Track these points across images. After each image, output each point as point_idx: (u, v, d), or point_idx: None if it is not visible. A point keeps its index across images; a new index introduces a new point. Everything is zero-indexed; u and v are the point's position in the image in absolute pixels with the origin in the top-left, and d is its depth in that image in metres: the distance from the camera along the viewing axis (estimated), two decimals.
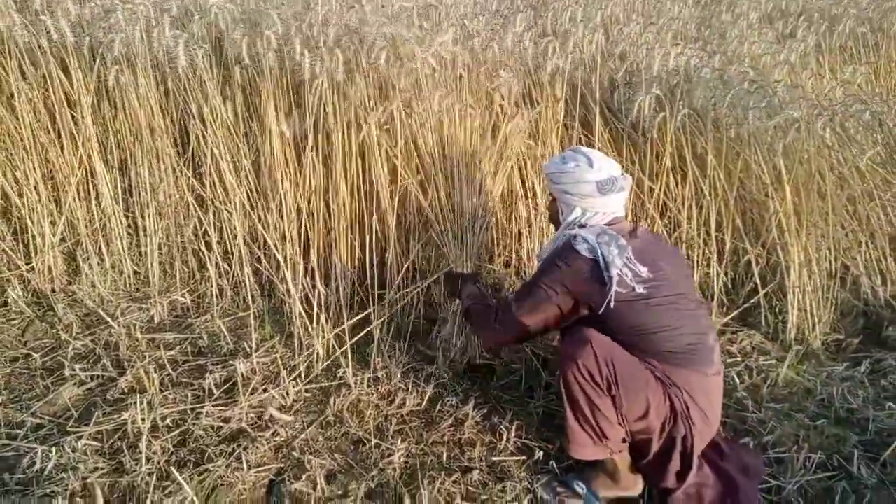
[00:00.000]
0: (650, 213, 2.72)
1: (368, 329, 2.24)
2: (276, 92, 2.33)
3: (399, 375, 2.15)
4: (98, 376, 2.08)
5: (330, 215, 2.41)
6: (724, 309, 2.58)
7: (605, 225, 1.77)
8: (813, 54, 3.88)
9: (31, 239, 2.49)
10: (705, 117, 2.71)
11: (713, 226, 2.64)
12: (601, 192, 1.76)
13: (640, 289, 1.62)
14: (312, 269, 2.35)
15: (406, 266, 2.39)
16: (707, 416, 1.62)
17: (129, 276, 2.52)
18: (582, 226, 1.79)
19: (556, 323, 1.77)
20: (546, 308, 1.73)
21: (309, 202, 2.36)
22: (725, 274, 2.63)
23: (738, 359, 2.33)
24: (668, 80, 2.90)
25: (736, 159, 2.68)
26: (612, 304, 1.61)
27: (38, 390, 2.03)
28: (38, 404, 1.96)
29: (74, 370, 2.08)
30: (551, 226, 2.53)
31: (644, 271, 1.63)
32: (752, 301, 2.53)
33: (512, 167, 2.67)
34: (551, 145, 2.88)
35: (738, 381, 2.20)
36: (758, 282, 2.56)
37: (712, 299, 2.55)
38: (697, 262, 2.61)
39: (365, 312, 2.26)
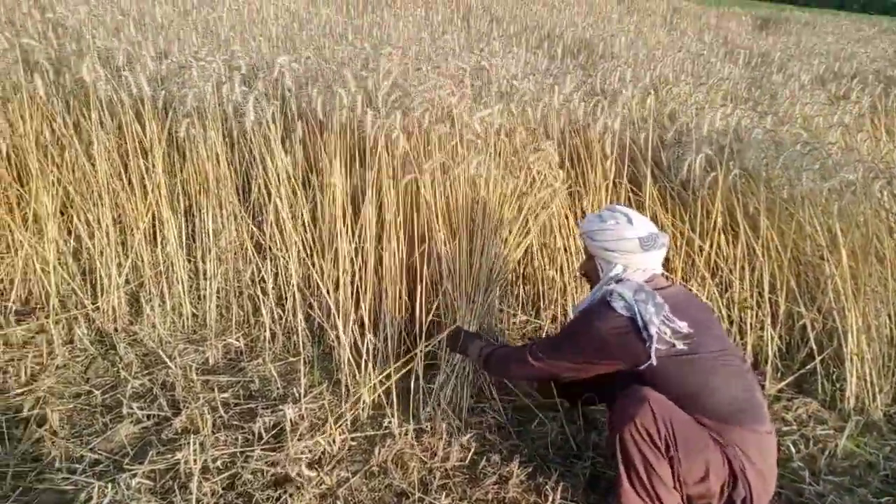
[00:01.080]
0: (701, 273, 2.69)
1: (413, 379, 2.26)
2: (339, 146, 2.43)
3: (444, 428, 2.15)
4: (154, 415, 2.14)
5: (381, 265, 2.46)
6: (779, 374, 2.51)
7: (643, 282, 1.77)
8: (868, 116, 3.84)
9: (98, 279, 2.61)
10: (757, 178, 2.70)
11: (766, 288, 2.60)
12: (643, 248, 1.77)
13: (680, 345, 1.61)
14: (362, 318, 2.40)
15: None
16: (765, 477, 1.57)
17: (187, 318, 2.61)
18: (618, 281, 1.79)
19: (584, 375, 1.79)
20: (574, 361, 1.76)
21: (362, 251, 2.42)
22: (780, 338, 2.58)
23: (794, 427, 2.26)
24: (718, 140, 2.91)
25: (789, 220, 2.66)
26: (654, 362, 1.59)
27: (97, 426, 2.10)
28: (96, 440, 2.03)
29: (132, 408, 2.15)
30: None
31: (684, 326, 1.62)
32: (807, 367, 2.47)
33: (555, 223, 2.70)
34: (599, 202, 2.90)
35: (793, 450, 2.13)
36: (814, 347, 2.49)
37: (766, 364, 2.49)
38: (750, 325, 2.56)
39: (409, 365, 2.28)
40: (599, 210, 1.93)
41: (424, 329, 2.37)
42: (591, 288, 1.94)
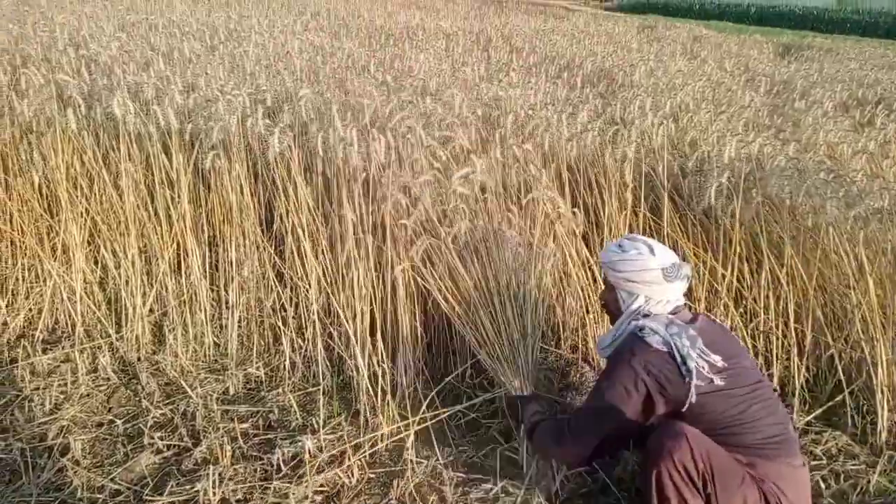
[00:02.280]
0: (724, 302, 2.66)
1: (434, 413, 2.24)
2: (349, 181, 2.46)
3: (462, 463, 2.13)
4: (175, 445, 2.16)
5: (395, 296, 2.47)
6: (807, 406, 2.45)
7: (668, 315, 1.74)
8: (894, 142, 3.79)
9: (123, 309, 2.66)
10: (780, 206, 2.67)
11: (791, 317, 2.55)
12: (667, 279, 1.74)
13: (718, 380, 1.57)
14: (381, 348, 2.40)
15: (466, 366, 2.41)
16: None
17: (209, 348, 2.64)
18: (645, 315, 1.75)
19: (634, 426, 1.69)
20: (622, 409, 1.64)
21: (376, 282, 2.43)
22: (807, 369, 2.52)
23: (823, 461, 2.20)
24: (740, 168, 2.89)
25: (814, 248, 2.61)
26: (693, 399, 1.55)
27: (118, 456, 2.11)
28: (117, 470, 2.04)
29: (153, 438, 2.16)
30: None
31: (718, 360, 1.59)
32: (836, 399, 2.40)
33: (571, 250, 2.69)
34: (618, 230, 2.89)
35: (823, 486, 2.06)
36: (842, 378, 2.43)
37: (793, 395, 2.43)
38: (776, 355, 2.51)
39: (428, 398, 2.27)
40: (618, 239, 1.89)
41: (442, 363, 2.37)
42: (612, 320, 1.91)
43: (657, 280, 1.74)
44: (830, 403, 2.42)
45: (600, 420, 1.70)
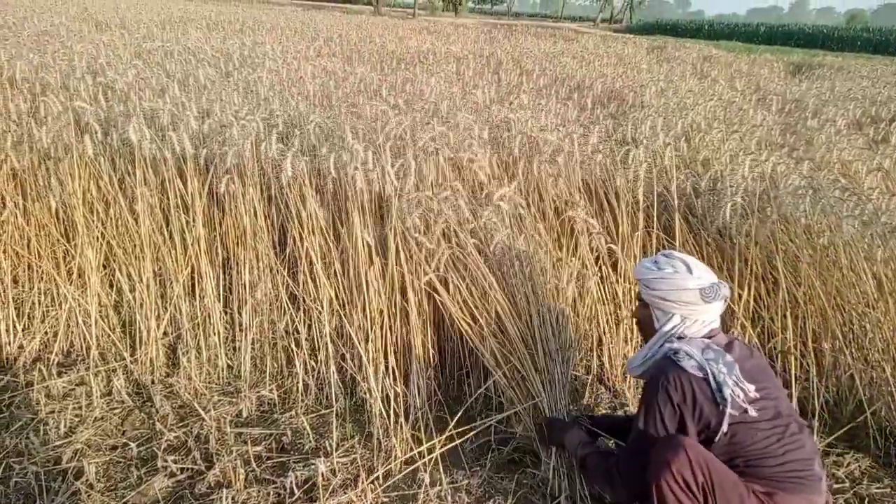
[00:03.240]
0: (741, 322, 2.63)
1: (447, 436, 2.22)
2: (362, 202, 2.47)
3: (478, 487, 2.10)
4: (188, 469, 2.15)
5: (409, 319, 2.47)
6: (827, 428, 2.40)
7: (704, 338, 1.68)
8: None
9: (137, 332, 2.67)
10: (796, 224, 2.65)
11: (810, 337, 2.51)
12: (705, 299, 1.67)
13: (752, 411, 1.52)
14: (394, 370, 2.39)
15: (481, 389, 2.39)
16: None
17: (222, 370, 2.64)
18: (680, 338, 1.69)
19: None
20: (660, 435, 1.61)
21: (389, 304, 2.43)
22: (827, 389, 2.47)
23: (846, 485, 2.15)
24: (754, 187, 2.88)
25: (831, 267, 2.59)
26: (725, 428, 1.51)
27: (132, 479, 2.10)
28: (131, 494, 2.03)
29: (167, 461, 2.15)
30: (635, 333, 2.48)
31: (752, 390, 1.54)
32: (858, 420, 2.35)
33: (593, 273, 2.68)
34: (632, 250, 2.88)
35: None
36: (863, 399, 2.39)
37: (813, 416, 2.39)
38: (795, 375, 2.47)
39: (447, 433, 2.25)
40: (655, 255, 1.82)
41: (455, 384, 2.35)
42: (645, 339, 1.84)
43: (694, 300, 1.67)
44: (852, 425, 2.37)
45: (646, 455, 1.62)
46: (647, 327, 1.82)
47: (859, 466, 2.23)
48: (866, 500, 2.07)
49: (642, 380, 1.83)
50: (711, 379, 1.54)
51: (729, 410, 1.51)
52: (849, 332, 2.55)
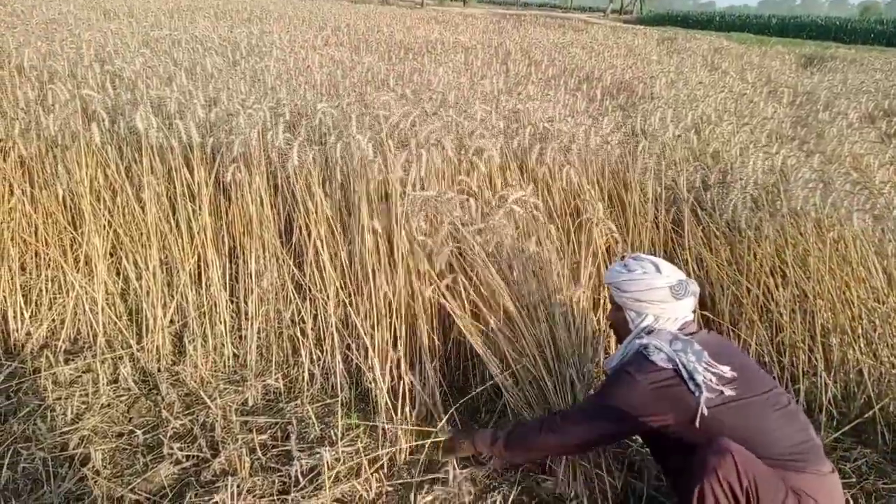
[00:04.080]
0: (749, 316, 2.61)
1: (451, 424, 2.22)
2: (368, 190, 2.46)
3: (483, 477, 2.10)
4: (194, 456, 2.16)
5: (415, 308, 2.46)
6: (835, 423, 2.38)
7: (675, 330, 1.72)
8: None
9: (144, 320, 2.68)
10: (806, 218, 2.63)
11: (819, 331, 2.49)
12: (675, 296, 1.73)
13: (728, 391, 1.55)
14: (399, 359, 2.39)
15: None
16: None
17: (228, 359, 2.64)
18: (649, 332, 1.73)
19: (615, 439, 1.75)
20: (616, 423, 1.66)
21: (394, 293, 2.42)
22: (835, 384, 2.46)
23: (853, 479, 2.13)
24: (764, 180, 2.85)
25: (841, 262, 2.56)
26: (705, 412, 1.53)
27: (138, 466, 2.12)
28: (137, 481, 2.04)
29: (172, 449, 2.16)
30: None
31: (727, 370, 1.57)
32: (866, 416, 2.34)
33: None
34: (641, 243, 2.86)
35: None
36: (871, 394, 2.37)
37: (821, 411, 2.38)
38: (803, 370, 2.45)
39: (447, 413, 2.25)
40: (624, 259, 1.88)
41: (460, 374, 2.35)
42: (619, 340, 1.89)
43: (665, 298, 1.74)
44: (860, 420, 2.35)
45: (600, 421, 1.70)
46: (621, 329, 1.87)
47: (866, 461, 2.22)
48: (873, 494, 2.06)
49: None
50: (682, 369, 1.57)
51: (705, 394, 1.53)
52: (858, 327, 2.53)
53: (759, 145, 3.32)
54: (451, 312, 2.30)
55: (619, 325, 1.87)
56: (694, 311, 1.82)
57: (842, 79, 6.79)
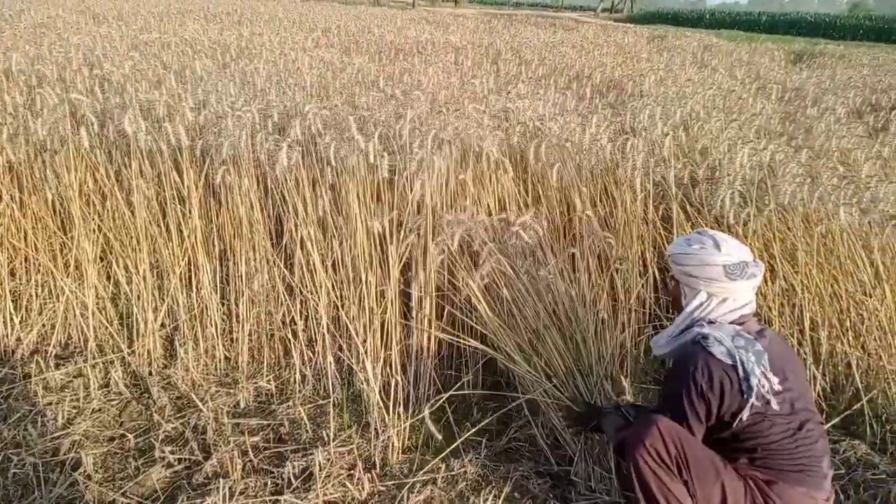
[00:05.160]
0: None
1: (445, 424, 2.23)
2: (361, 189, 2.47)
3: (476, 474, 2.11)
4: (185, 459, 2.15)
5: (409, 307, 2.47)
6: (824, 415, 2.40)
7: (733, 324, 1.65)
8: None
9: (134, 323, 2.67)
10: (793, 213, 2.64)
11: (807, 325, 2.51)
12: (728, 276, 1.65)
13: (774, 404, 1.50)
14: (392, 360, 2.39)
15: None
16: None
17: (219, 361, 2.64)
18: (710, 322, 1.67)
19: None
20: (684, 419, 1.58)
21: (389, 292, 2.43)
22: (823, 377, 2.47)
23: (842, 471, 2.15)
24: (752, 175, 2.87)
25: (829, 256, 2.58)
26: (745, 417, 1.51)
27: (129, 470, 2.11)
28: (128, 484, 2.04)
29: (164, 452, 2.16)
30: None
31: (776, 382, 1.52)
32: (854, 408, 2.35)
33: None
34: (630, 239, 2.87)
35: (842, 496, 2.02)
36: (860, 387, 2.39)
37: None
38: None
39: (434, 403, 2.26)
40: (688, 233, 1.81)
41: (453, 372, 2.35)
42: (675, 310, 1.82)
43: (718, 277, 1.65)
44: (848, 412, 2.37)
45: (681, 417, 1.61)
46: (677, 303, 1.81)
47: (855, 453, 2.24)
48: (861, 486, 2.07)
49: (665, 359, 1.83)
50: (740, 367, 1.52)
51: (752, 401, 1.49)
52: (846, 320, 2.55)
53: (747, 141, 3.34)
54: (482, 314, 2.28)
55: (676, 298, 1.81)
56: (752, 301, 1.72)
57: (830, 74, 6.83)
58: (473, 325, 2.36)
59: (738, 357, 1.53)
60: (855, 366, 2.42)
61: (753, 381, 1.50)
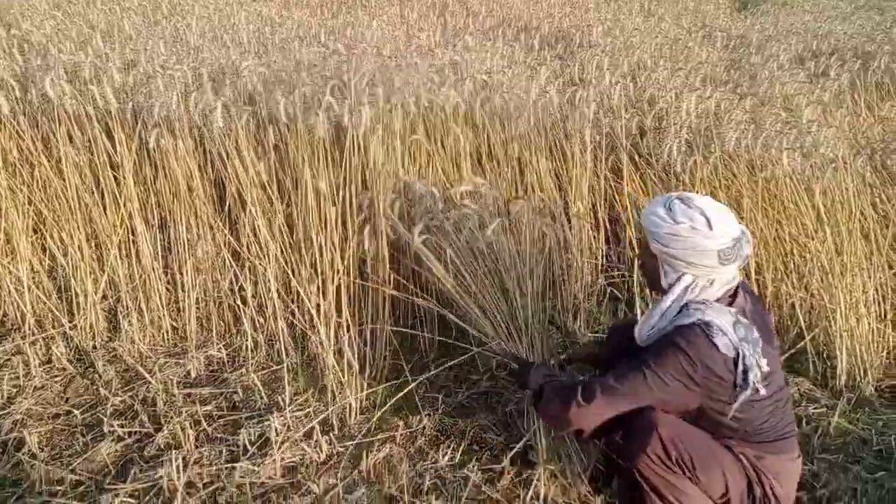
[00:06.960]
0: None
1: (402, 382, 2.22)
2: (310, 150, 2.39)
3: (434, 429, 2.11)
4: (136, 432, 2.10)
5: (362, 269, 2.42)
6: None
7: (728, 307, 1.52)
8: (848, 92, 3.82)
9: (74, 297, 2.56)
10: (738, 159, 2.68)
11: (752, 268, 2.57)
12: (723, 262, 1.47)
13: (763, 390, 1.46)
14: (347, 321, 2.35)
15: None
16: (790, 500, 1.58)
17: (167, 332, 2.56)
18: (702, 302, 1.51)
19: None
20: (655, 395, 1.49)
21: (342, 254, 2.38)
22: None
23: None
24: (698, 124, 2.88)
25: (773, 201, 2.63)
26: (735, 406, 1.48)
27: (77, 447, 2.05)
28: (77, 461, 1.98)
29: (113, 426, 2.10)
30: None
31: (764, 364, 1.46)
32: (798, 347, 2.44)
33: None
34: (581, 192, 2.87)
35: None
36: (803, 326, 2.47)
37: None
38: None
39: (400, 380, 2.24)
40: (668, 197, 1.57)
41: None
42: (650, 287, 1.72)
43: (711, 264, 1.48)
44: (793, 351, 2.45)
45: (627, 396, 1.51)
46: (652, 276, 1.64)
47: (799, 390, 2.33)
48: (804, 419, 2.16)
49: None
50: (741, 361, 1.44)
51: (746, 393, 1.45)
52: (790, 263, 2.62)
53: (694, 89, 3.35)
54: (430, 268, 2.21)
55: (651, 274, 1.63)
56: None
57: (773, 21, 6.90)
58: (426, 281, 2.34)
59: (741, 351, 1.43)
60: (798, 306, 2.50)
61: (751, 377, 1.43)
